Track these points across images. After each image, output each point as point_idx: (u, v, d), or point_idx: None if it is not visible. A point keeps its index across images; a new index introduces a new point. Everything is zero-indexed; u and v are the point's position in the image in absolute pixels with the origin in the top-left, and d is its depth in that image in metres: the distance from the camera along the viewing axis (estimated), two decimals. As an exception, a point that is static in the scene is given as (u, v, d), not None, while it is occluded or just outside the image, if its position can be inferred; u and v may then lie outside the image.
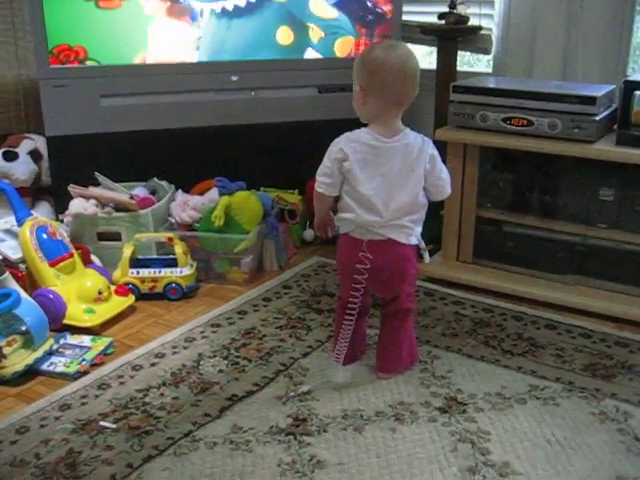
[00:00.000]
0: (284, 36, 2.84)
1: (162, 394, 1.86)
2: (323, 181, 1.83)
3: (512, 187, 2.56)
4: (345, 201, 1.83)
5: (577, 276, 2.41)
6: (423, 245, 1.91)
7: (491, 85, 2.56)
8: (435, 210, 2.68)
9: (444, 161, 2.44)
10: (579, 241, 2.42)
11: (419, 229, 1.87)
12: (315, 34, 2.87)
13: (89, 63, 2.70)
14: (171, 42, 2.76)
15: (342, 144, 1.80)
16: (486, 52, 3.12)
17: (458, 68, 3.05)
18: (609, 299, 2.31)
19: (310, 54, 2.88)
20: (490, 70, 3.12)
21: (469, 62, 3.35)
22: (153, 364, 2.01)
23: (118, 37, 2.70)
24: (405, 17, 3.07)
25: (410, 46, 3.25)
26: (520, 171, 2.54)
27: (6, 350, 1.94)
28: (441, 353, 2.06)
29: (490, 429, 1.71)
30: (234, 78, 2.82)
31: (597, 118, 2.26)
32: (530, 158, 2.39)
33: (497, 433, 1.70)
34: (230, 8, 2.75)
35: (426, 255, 1.95)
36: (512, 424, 1.73)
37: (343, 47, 2.92)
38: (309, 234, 2.89)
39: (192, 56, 2.78)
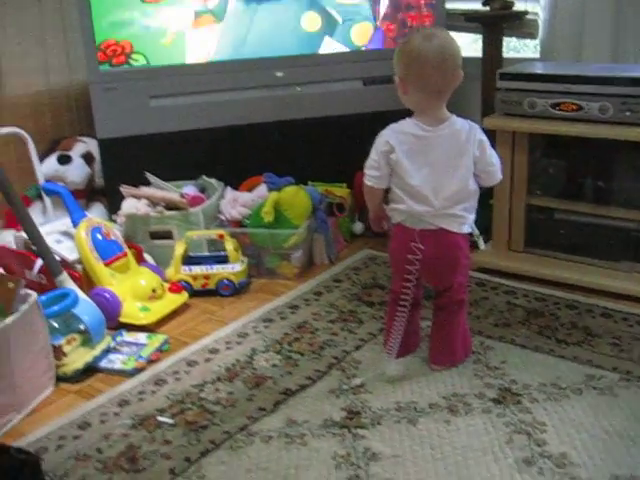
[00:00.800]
0: (311, 22, 2.83)
1: (217, 389, 1.90)
2: (371, 174, 1.83)
3: (563, 173, 2.52)
4: (395, 192, 1.83)
5: (632, 263, 2.36)
6: (477, 232, 1.90)
7: (538, 71, 2.52)
8: (485, 199, 2.66)
9: (493, 148, 2.44)
10: (634, 227, 2.37)
11: (472, 217, 1.85)
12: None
13: (135, 57, 2.74)
14: (211, 38, 2.79)
15: (388, 136, 1.79)
16: (533, 37, 3.07)
17: (504, 54, 3.02)
18: (666, 285, 2.26)
19: (328, 42, 2.86)
20: (537, 55, 3.08)
21: (515, 48, 3.30)
22: (207, 360, 2.05)
23: (163, 31, 2.73)
24: (449, 5, 3.04)
25: (454, 34, 3.27)
26: (571, 157, 2.50)
27: (66, 349, 2.00)
28: (494, 344, 2.04)
29: (546, 420, 1.69)
30: (279, 74, 2.84)
31: (649, 100, 2.21)
32: (581, 143, 2.35)
33: (553, 424, 1.68)
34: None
35: (481, 242, 1.96)
36: (568, 415, 1.70)
37: (360, 34, 2.89)
38: (358, 227, 2.89)
39: (234, 52, 2.81)
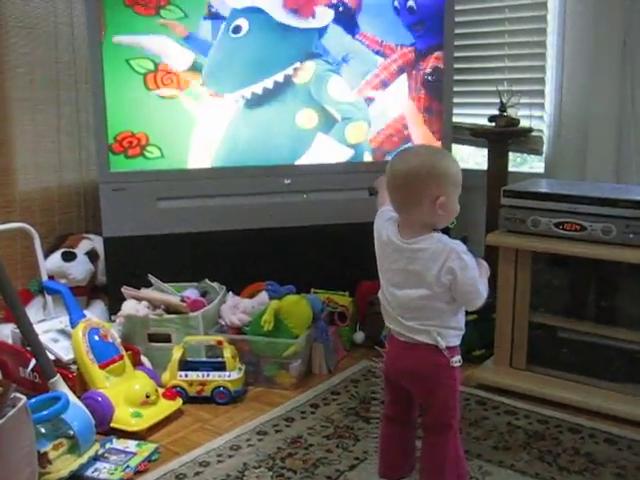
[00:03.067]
0: (306, 119, 2.90)
1: (204, 507, 1.83)
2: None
3: (566, 292, 2.52)
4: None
5: (637, 385, 2.31)
6: (443, 345, 1.74)
7: (542, 189, 2.54)
8: (488, 314, 2.64)
9: (495, 266, 2.44)
10: (638, 349, 2.33)
11: (449, 332, 1.74)
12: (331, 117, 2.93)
13: (150, 149, 2.80)
14: (220, 140, 2.86)
15: (378, 219, 1.81)
16: (537, 153, 3.12)
17: (510, 166, 3.06)
18: (673, 412, 2.20)
19: (321, 138, 2.91)
20: (542, 169, 3.12)
21: (522, 158, 3.34)
22: (197, 473, 1.98)
23: (178, 125, 2.81)
24: (455, 119, 3.11)
25: (460, 147, 3.34)
26: (574, 276, 2.50)
27: (52, 455, 1.94)
28: (493, 469, 1.97)
29: None
30: (287, 181, 2.88)
31: (653, 223, 2.21)
32: (584, 262, 2.34)
33: None
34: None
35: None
36: None
37: (355, 133, 2.95)
38: (359, 336, 2.86)
39: (241, 158, 2.87)
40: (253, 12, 2.78)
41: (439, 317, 1.73)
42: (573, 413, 2.27)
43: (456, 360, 1.73)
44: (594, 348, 2.41)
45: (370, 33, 2.88)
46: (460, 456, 1.83)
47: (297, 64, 2.84)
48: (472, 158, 3.45)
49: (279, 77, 2.83)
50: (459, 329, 1.77)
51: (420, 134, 3.00)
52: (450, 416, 1.79)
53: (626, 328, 2.34)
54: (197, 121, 2.81)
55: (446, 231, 1.77)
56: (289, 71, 2.83)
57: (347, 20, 2.86)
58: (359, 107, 2.94)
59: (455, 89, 3.03)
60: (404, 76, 2.95)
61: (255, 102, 2.83)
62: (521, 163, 3.37)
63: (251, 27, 2.78)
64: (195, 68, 2.76)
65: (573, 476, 1.93)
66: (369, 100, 2.94)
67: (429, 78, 2.96)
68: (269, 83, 2.82)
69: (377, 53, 2.90)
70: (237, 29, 2.77)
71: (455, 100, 3.05)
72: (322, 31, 2.85)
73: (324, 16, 2.84)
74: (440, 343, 1.71)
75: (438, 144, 2.96)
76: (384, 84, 2.94)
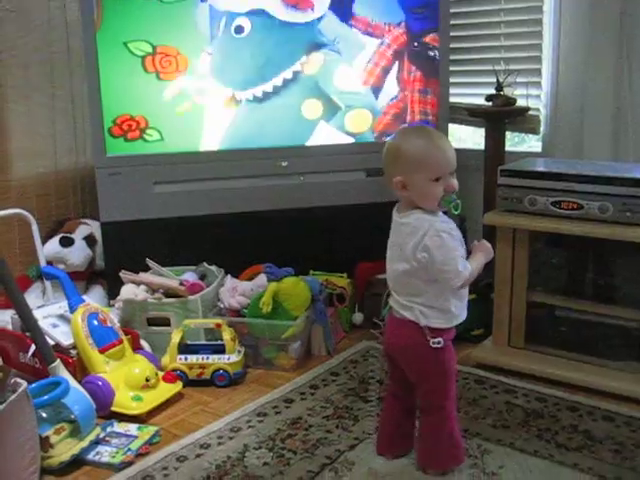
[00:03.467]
0: (311, 109, 2.89)
1: (206, 488, 1.84)
2: None
3: (564, 270, 2.52)
4: None
5: (635, 363, 2.32)
6: (423, 323, 1.76)
7: (539, 168, 2.53)
8: (486, 293, 2.65)
9: (494, 243, 2.44)
10: (636, 326, 2.34)
11: (432, 313, 1.76)
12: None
13: (149, 132, 2.79)
14: (218, 124, 2.85)
15: None
16: (535, 132, 3.11)
17: (508, 146, 3.06)
18: (671, 388, 2.21)
19: (323, 126, 2.91)
20: (540, 148, 3.12)
21: (520, 137, 3.33)
22: (198, 455, 1.99)
23: (177, 108, 2.79)
24: (452, 99, 3.10)
25: (458, 127, 3.33)
26: (572, 254, 2.50)
27: (53, 439, 1.95)
28: (492, 447, 1.98)
29: (544, 533, 1.63)
30: (284, 164, 2.87)
31: (650, 201, 2.21)
32: (582, 241, 2.34)
33: (551, 538, 1.62)
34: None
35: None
36: (567, 528, 1.65)
37: (358, 121, 2.95)
38: (358, 317, 2.87)
39: (238, 141, 2.86)
40: (255, 14, 2.77)
41: (423, 295, 1.76)
42: (571, 391, 2.28)
43: (436, 341, 1.75)
44: (592, 326, 2.42)
45: (363, 15, 2.86)
46: (455, 437, 1.84)
47: (303, 58, 2.83)
48: (471, 138, 3.44)
49: (288, 74, 2.83)
50: (445, 312, 1.77)
51: (417, 115, 2.98)
52: (440, 397, 1.81)
53: (623, 306, 2.35)
54: (196, 105, 2.79)
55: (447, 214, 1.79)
56: (297, 67, 2.83)
57: (342, 5, 2.84)
58: (363, 94, 2.93)
59: (451, 69, 3.01)
60: (401, 58, 2.93)
61: (264, 97, 2.84)
62: (519, 143, 3.37)
63: (254, 27, 2.77)
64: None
65: (571, 453, 1.94)
66: (371, 86, 2.92)
67: (426, 59, 2.94)
68: (278, 81, 2.82)
69: (370, 35, 2.88)
70: (239, 29, 2.76)
71: (452, 80, 3.03)
72: (319, 20, 2.83)
73: (321, 5, 2.82)
74: (421, 321, 1.75)
75: (434, 125, 2.95)
76: (383, 69, 2.92)
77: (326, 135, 2.91)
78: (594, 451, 1.95)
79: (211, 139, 2.83)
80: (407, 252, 1.73)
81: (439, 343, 1.76)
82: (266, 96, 2.83)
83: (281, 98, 2.84)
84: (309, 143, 2.90)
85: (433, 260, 1.70)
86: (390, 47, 2.91)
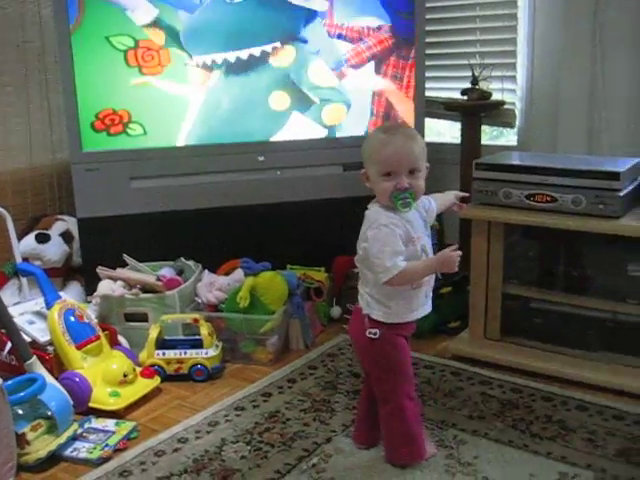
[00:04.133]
0: (278, 101, 2.89)
1: (183, 482, 1.85)
2: None
3: (538, 263, 2.54)
4: None
5: (608, 353, 2.35)
6: (365, 311, 1.81)
7: (514, 162, 2.56)
8: (462, 286, 2.68)
9: (469, 236, 2.47)
10: (609, 317, 2.37)
11: (374, 304, 1.78)
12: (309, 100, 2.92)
13: (132, 127, 2.78)
14: (198, 118, 2.84)
15: None
16: (510, 126, 3.14)
17: (486, 140, 3.08)
18: (643, 378, 2.24)
19: (296, 117, 2.90)
20: (516, 142, 3.14)
21: (498, 131, 3.36)
22: (176, 450, 2.00)
23: (160, 102, 2.79)
24: (428, 93, 3.11)
25: (435, 122, 3.34)
26: (546, 247, 2.52)
27: (30, 436, 1.95)
28: (467, 437, 2.00)
29: (517, 521, 1.65)
30: (261, 158, 2.87)
31: (621, 193, 2.24)
32: (556, 234, 2.36)
33: (525, 526, 1.64)
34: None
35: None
36: (540, 516, 1.67)
37: (332, 115, 2.95)
38: (336, 311, 2.88)
39: (215, 135, 2.86)
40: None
41: (369, 285, 1.80)
42: (546, 382, 2.31)
43: (372, 332, 1.79)
44: (566, 318, 2.44)
45: (340, 19, 2.87)
46: (411, 434, 1.85)
47: (277, 44, 2.82)
48: (449, 132, 3.46)
49: (255, 51, 2.80)
50: (384, 306, 1.78)
51: (393, 110, 2.99)
52: (386, 391, 1.84)
53: (597, 297, 2.37)
54: (175, 99, 2.79)
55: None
56: (267, 48, 2.81)
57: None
58: (338, 90, 2.93)
59: (427, 63, 3.02)
60: (377, 54, 2.93)
61: (228, 72, 2.81)
62: (497, 137, 3.39)
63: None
64: (157, 24, 2.73)
65: (545, 442, 1.97)
66: (347, 82, 2.93)
67: (401, 53, 2.95)
68: (244, 54, 2.80)
69: (343, 39, 2.90)
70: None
71: (428, 74, 3.04)
72: (312, 16, 2.84)
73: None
74: (364, 309, 1.80)
75: (412, 119, 2.97)
76: (360, 65, 2.93)
77: (299, 126, 2.91)
78: (568, 440, 1.98)
79: (188, 134, 2.83)
80: (359, 241, 1.79)
81: (375, 334, 1.79)
82: (230, 71, 2.80)
83: (251, 83, 2.83)
84: (284, 136, 2.90)
85: (369, 251, 1.74)
86: (369, 47, 2.92)
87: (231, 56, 2.79)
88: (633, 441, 1.96)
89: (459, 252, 1.72)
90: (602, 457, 1.89)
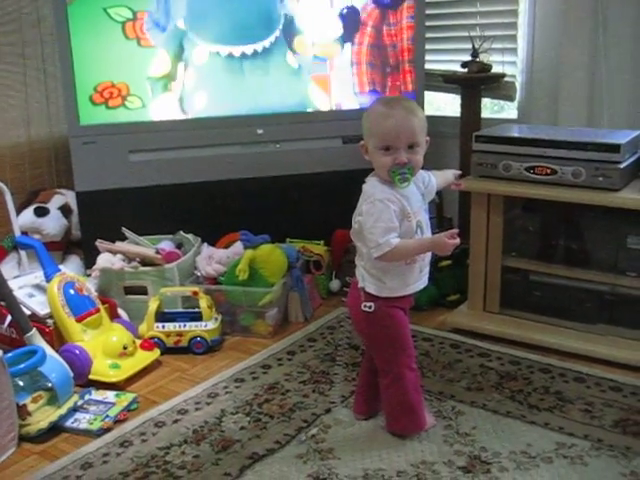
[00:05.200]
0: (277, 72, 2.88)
1: (183, 452, 1.86)
2: None
3: (538, 236, 2.54)
4: None
5: (607, 326, 2.36)
6: (361, 284, 1.81)
7: (513, 134, 2.55)
8: (462, 259, 2.67)
9: (468, 209, 2.46)
10: (608, 290, 2.37)
11: (369, 278, 1.79)
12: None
13: (131, 99, 2.76)
14: (195, 92, 2.82)
15: None
16: (510, 99, 3.12)
17: (486, 113, 3.06)
18: (640, 350, 2.25)
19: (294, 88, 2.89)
20: (516, 116, 3.12)
21: (499, 105, 3.33)
22: (176, 421, 2.01)
23: (158, 75, 2.77)
24: (428, 66, 3.09)
25: (435, 95, 3.32)
26: (545, 219, 2.52)
27: (31, 407, 1.96)
28: (466, 408, 2.02)
29: (515, 490, 1.67)
30: (260, 131, 2.86)
31: (621, 166, 2.23)
32: (555, 206, 2.36)
33: (522, 494, 1.65)
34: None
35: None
36: (537, 485, 1.68)
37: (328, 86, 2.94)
38: (335, 284, 2.88)
39: (214, 109, 2.84)
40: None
41: (364, 258, 1.80)
42: (544, 354, 2.32)
43: (367, 305, 1.79)
44: (565, 290, 2.45)
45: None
46: (411, 404, 1.86)
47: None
48: (449, 106, 3.43)
49: (258, 47, 2.81)
50: (378, 280, 1.78)
51: (392, 83, 2.97)
52: (384, 362, 1.85)
53: (596, 270, 2.37)
54: (173, 72, 2.77)
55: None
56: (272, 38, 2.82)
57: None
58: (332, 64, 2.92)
59: (427, 35, 3.00)
60: (377, 24, 2.91)
61: (232, 62, 2.80)
62: (498, 110, 3.37)
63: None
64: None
65: (543, 413, 1.98)
66: (345, 54, 2.92)
67: (401, 26, 2.92)
68: (249, 50, 2.80)
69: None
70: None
71: (427, 47, 3.02)
72: None
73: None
74: (360, 282, 1.81)
75: (411, 92, 2.95)
76: (360, 35, 2.91)
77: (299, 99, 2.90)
78: (565, 411, 1.99)
79: (184, 106, 2.81)
80: (355, 214, 1.79)
81: (370, 308, 1.79)
82: (235, 60, 2.80)
83: (252, 65, 2.82)
84: (283, 109, 2.88)
85: (363, 225, 1.74)
86: (368, 17, 2.89)
87: (235, 50, 2.80)
88: (630, 412, 1.97)
89: (456, 241, 1.70)
90: (599, 428, 1.90)
